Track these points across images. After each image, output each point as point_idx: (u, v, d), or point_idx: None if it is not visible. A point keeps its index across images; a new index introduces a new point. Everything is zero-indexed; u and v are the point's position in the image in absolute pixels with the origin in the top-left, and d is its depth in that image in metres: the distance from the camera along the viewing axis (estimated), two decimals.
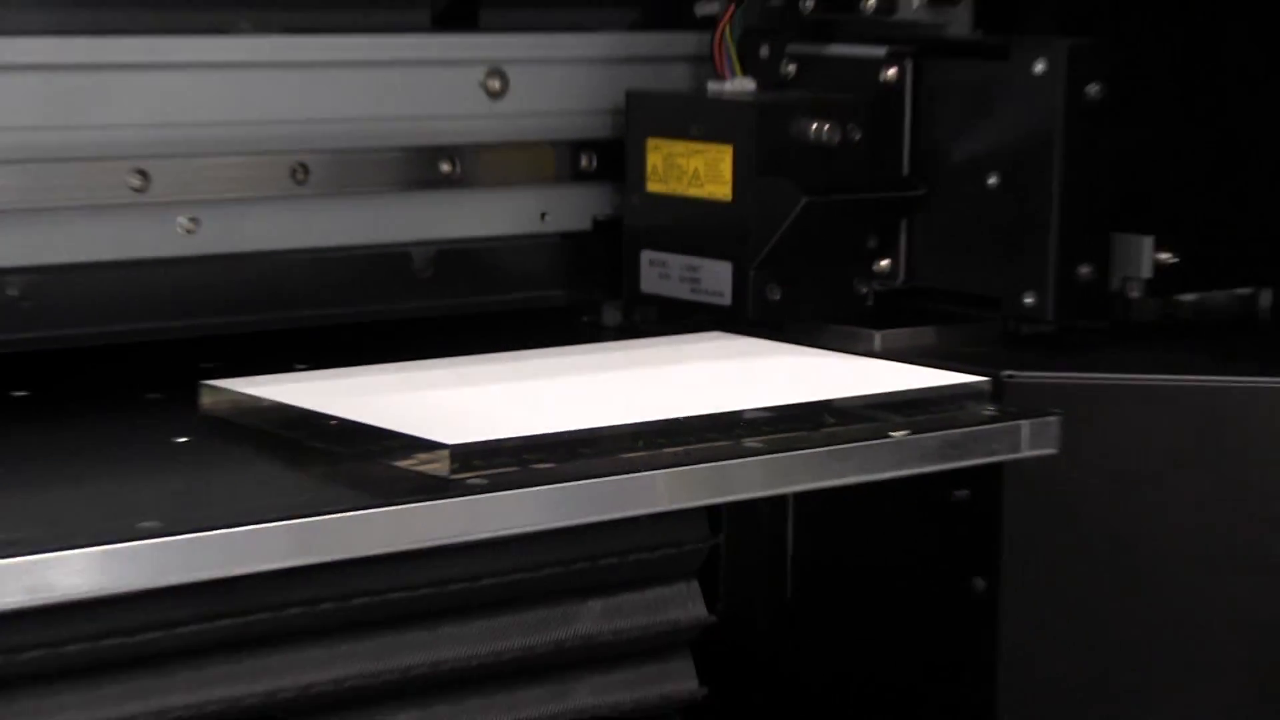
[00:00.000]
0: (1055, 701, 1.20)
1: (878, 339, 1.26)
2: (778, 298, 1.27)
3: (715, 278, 1.29)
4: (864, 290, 1.31)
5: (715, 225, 1.28)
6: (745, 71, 1.34)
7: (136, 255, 1.18)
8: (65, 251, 1.16)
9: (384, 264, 1.29)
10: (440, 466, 0.91)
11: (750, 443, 0.99)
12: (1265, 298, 1.38)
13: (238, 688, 0.88)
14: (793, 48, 1.34)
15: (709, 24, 1.36)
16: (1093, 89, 1.23)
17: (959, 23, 1.32)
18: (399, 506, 0.87)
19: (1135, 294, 1.29)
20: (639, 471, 0.94)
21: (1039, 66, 1.23)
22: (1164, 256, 1.28)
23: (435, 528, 0.89)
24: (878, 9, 1.29)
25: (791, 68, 1.34)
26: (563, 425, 0.97)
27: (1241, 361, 1.22)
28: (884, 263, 1.31)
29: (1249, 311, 1.37)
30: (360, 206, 1.28)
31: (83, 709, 0.84)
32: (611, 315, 1.40)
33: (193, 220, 1.20)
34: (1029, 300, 1.25)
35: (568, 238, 1.37)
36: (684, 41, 1.41)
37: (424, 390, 1.08)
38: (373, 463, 0.94)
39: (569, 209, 1.37)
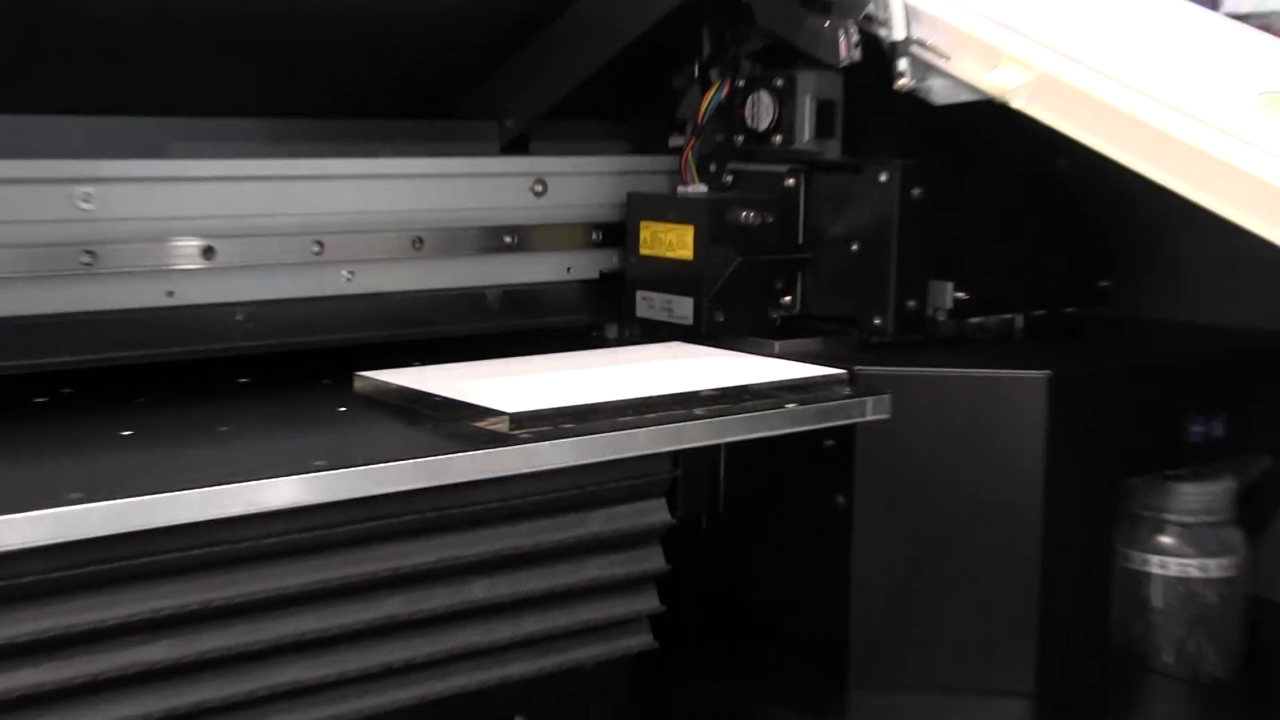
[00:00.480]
0: (888, 577, 1.21)
1: (777, 346, 1.27)
2: (721, 320, 1.27)
3: (682, 307, 1.29)
4: (774, 315, 1.31)
5: (682, 275, 1.29)
6: (701, 180, 1.35)
7: (316, 294, 1.20)
8: (272, 290, 1.17)
9: (469, 300, 1.29)
10: (503, 426, 0.93)
11: (698, 411, 1.01)
12: (1020, 321, 1.37)
13: (373, 566, 0.91)
14: (731, 165, 1.35)
15: (678, 150, 1.37)
16: (916, 191, 1.24)
17: (832, 150, 1.31)
18: (477, 451, 0.90)
19: (941, 318, 1.30)
20: (628, 430, 0.96)
21: (883, 177, 1.24)
22: (959, 295, 1.29)
23: (499, 465, 0.91)
24: (782, 143, 1.30)
25: (729, 178, 1.35)
26: (580, 400, 0.98)
27: (1001, 360, 1.23)
28: (786, 299, 1.31)
29: (1008, 331, 1.36)
30: (455, 264, 1.28)
31: (276, 579, 0.88)
32: (611, 331, 1.39)
33: (350, 272, 1.21)
34: (877, 322, 1.26)
35: (584, 283, 1.36)
36: (662, 161, 1.40)
37: (492, 378, 1.08)
38: (460, 424, 0.95)
39: (585, 265, 1.36)
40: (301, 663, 0.91)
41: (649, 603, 1.07)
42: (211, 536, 0.84)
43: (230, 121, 1.31)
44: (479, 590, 0.97)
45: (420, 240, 1.25)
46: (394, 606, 0.93)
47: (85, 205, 1.07)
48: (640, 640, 1.07)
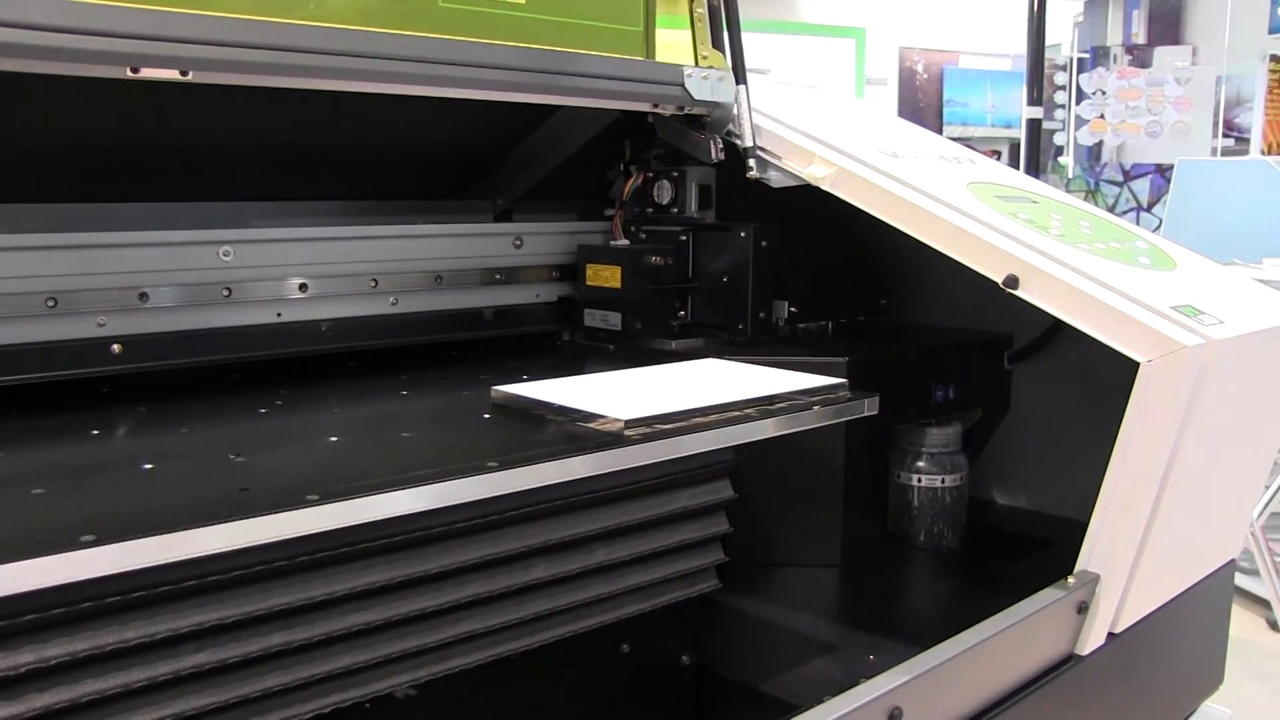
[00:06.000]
0: (754, 491, 1.11)
1: (674, 344, 1.26)
2: (639, 327, 1.29)
3: (614, 320, 1.31)
4: (674, 324, 1.32)
5: (614, 298, 1.30)
6: (625, 236, 1.36)
7: (373, 313, 1.18)
8: (345, 311, 1.17)
9: (472, 316, 1.29)
10: (617, 427, 0.84)
11: (751, 413, 0.91)
12: (830, 325, 1.37)
13: (518, 543, 0.86)
14: (644, 227, 1.36)
15: (610, 218, 1.39)
16: (763, 243, 1.27)
17: (709, 217, 1.33)
18: (598, 453, 0.80)
19: (780, 324, 1.32)
20: (701, 431, 0.86)
21: (742, 234, 1.27)
22: (792, 309, 1.32)
23: (618, 461, 0.81)
24: (677, 213, 1.33)
25: (643, 235, 1.36)
26: (666, 409, 0.88)
27: (819, 350, 1.23)
28: (681, 312, 1.33)
29: (823, 332, 1.37)
30: (463, 293, 1.28)
31: (437, 559, 0.82)
32: (566, 336, 1.38)
33: (395, 299, 1.22)
34: (740, 326, 1.28)
35: (548, 304, 1.37)
36: (600, 225, 1.41)
37: (590, 390, 0.95)
38: (575, 425, 0.85)
39: (549, 293, 1.37)
40: (474, 617, 0.86)
41: (717, 556, 1.01)
42: (413, 524, 0.78)
43: (309, 203, 1.29)
44: (600, 554, 0.92)
45: (440, 277, 1.26)
46: (540, 570, 0.88)
47: (225, 258, 1.10)
48: (710, 584, 0.99)
